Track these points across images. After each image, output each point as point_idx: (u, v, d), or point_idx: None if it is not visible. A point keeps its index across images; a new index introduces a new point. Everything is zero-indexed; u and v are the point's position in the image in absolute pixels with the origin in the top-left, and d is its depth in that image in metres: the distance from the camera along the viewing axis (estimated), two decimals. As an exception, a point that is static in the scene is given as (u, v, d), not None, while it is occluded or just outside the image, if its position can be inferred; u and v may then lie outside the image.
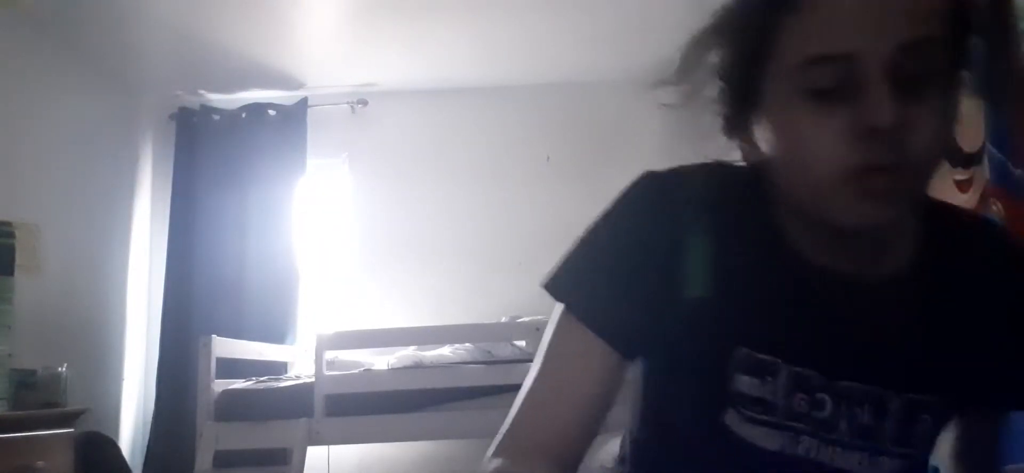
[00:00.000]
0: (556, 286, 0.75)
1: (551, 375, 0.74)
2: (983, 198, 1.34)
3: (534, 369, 0.75)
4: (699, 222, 0.72)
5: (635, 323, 0.72)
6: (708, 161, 0.76)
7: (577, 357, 0.73)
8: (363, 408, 2.52)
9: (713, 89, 0.72)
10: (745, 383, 0.71)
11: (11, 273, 2.70)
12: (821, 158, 0.63)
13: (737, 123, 0.72)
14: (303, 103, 3.87)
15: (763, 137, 0.69)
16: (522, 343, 2.71)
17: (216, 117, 3.90)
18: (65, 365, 2.81)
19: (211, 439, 2.51)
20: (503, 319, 3.22)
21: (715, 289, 0.71)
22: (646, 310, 0.72)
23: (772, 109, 0.67)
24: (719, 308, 0.71)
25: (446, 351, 2.86)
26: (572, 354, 0.74)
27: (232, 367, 2.89)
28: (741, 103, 0.70)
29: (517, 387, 0.77)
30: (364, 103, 3.91)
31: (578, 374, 0.73)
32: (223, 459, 2.54)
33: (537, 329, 2.48)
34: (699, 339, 0.72)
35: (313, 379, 2.57)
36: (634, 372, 0.82)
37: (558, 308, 0.75)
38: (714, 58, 0.71)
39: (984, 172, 1.33)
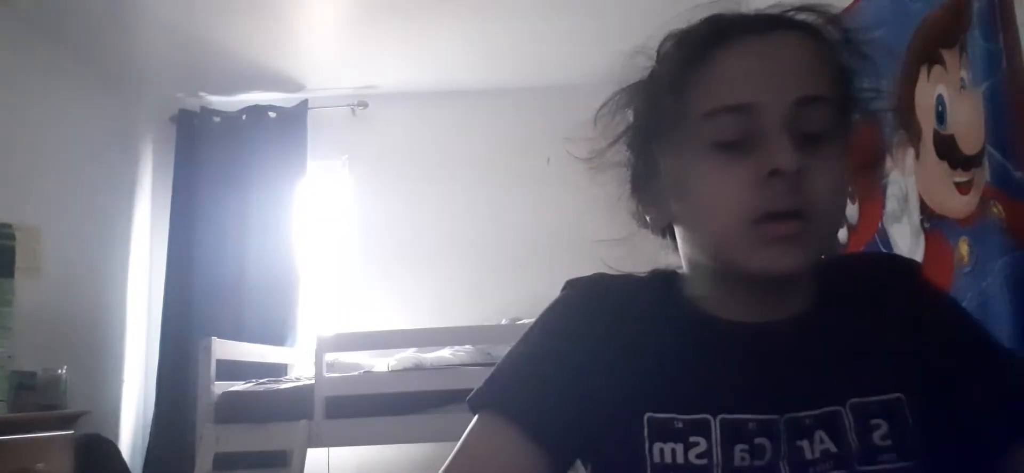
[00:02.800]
0: (477, 397, 0.72)
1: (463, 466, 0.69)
2: (983, 200, 1.33)
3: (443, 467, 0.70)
4: (616, 314, 0.73)
5: (559, 418, 0.69)
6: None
7: (492, 451, 0.69)
8: (363, 410, 2.52)
9: (621, 152, 0.76)
10: (667, 453, 0.67)
11: (11, 275, 2.71)
12: (727, 205, 0.66)
13: (643, 185, 0.75)
14: (303, 105, 3.87)
15: (670, 196, 0.72)
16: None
17: (216, 119, 3.90)
18: (65, 367, 2.81)
19: (211, 441, 2.51)
20: (503, 321, 3.22)
21: (627, 367, 0.70)
22: (569, 405, 0.69)
23: (679, 164, 0.70)
24: (631, 384, 0.70)
25: (446, 353, 2.86)
26: (486, 448, 0.69)
27: (232, 369, 2.89)
28: (649, 162, 0.73)
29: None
30: (364, 105, 3.91)
31: (491, 467, 0.68)
32: (223, 461, 2.54)
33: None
34: (617, 423, 0.69)
35: (313, 381, 2.57)
36: None
37: (474, 420, 0.71)
38: (628, 117, 0.75)
39: (984, 174, 1.32)
